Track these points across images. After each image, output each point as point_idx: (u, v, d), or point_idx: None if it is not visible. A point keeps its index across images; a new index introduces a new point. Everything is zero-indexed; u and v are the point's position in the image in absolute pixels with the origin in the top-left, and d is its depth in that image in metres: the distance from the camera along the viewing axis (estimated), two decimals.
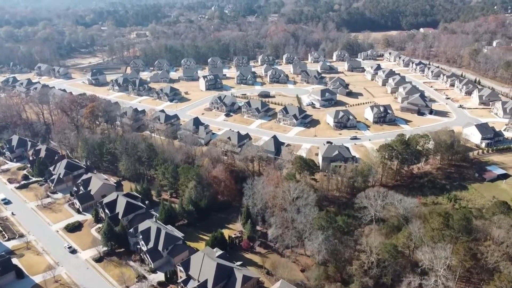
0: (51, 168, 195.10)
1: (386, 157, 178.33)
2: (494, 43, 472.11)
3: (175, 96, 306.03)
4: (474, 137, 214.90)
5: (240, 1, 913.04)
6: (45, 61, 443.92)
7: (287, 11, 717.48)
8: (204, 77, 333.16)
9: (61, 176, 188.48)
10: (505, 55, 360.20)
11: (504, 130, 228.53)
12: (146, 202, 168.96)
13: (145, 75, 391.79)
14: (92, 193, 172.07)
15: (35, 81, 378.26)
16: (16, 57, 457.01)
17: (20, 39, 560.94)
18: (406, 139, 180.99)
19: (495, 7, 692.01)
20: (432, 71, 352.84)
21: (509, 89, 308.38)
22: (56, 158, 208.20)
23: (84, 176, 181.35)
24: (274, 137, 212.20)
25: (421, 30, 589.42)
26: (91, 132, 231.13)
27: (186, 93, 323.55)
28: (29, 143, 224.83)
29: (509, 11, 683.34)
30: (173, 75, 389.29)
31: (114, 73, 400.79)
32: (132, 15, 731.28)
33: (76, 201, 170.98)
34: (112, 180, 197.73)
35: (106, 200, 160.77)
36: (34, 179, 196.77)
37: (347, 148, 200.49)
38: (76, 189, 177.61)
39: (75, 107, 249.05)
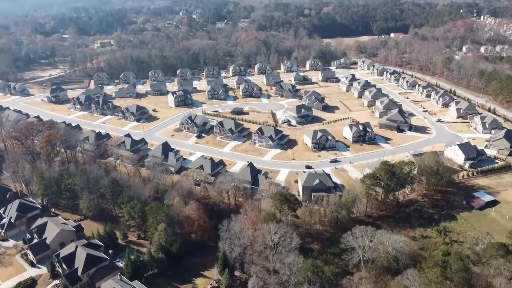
0: (0, 211, 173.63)
1: (371, 187, 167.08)
2: (464, 49, 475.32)
3: (142, 115, 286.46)
4: (457, 157, 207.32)
5: (208, 5, 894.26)
6: (0, 75, 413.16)
7: (257, 16, 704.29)
8: (173, 93, 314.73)
9: (12, 220, 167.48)
10: (477, 64, 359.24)
11: (486, 147, 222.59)
12: (110, 251, 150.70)
13: (110, 89, 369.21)
14: (48, 241, 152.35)
15: None
16: None
17: None
18: (391, 167, 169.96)
19: (461, 11, 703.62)
20: (407, 81, 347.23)
21: (484, 100, 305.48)
22: (8, 196, 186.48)
23: (39, 221, 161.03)
24: (250, 165, 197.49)
25: (392, 35, 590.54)
26: (48, 164, 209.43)
27: (154, 110, 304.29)
28: None
29: (474, 15, 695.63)
30: (140, 88, 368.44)
31: (76, 88, 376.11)
32: (95, 22, 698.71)
33: (29, 252, 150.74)
34: (73, 219, 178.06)
35: (63, 252, 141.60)
36: None
37: (328, 176, 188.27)
38: (30, 237, 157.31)
39: (31, 134, 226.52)
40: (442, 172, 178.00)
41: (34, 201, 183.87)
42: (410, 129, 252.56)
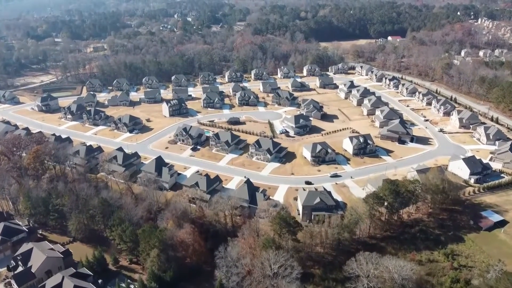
0: None
1: (374, 207, 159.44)
2: (463, 53, 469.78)
3: (135, 125, 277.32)
4: (462, 172, 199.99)
5: (203, 8, 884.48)
6: None
7: (253, 19, 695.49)
8: (167, 102, 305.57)
9: None
10: (477, 69, 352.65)
11: (490, 160, 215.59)
12: (100, 281, 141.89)
13: (102, 96, 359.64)
14: (33, 269, 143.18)
15: None
16: None
17: None
18: (396, 187, 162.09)
19: (458, 13, 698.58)
20: (407, 88, 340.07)
21: (486, 107, 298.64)
22: None
23: (24, 247, 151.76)
24: (248, 182, 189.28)
25: (389, 38, 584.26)
26: (36, 181, 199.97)
27: (148, 120, 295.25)
28: None
29: (472, 17, 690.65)
30: (134, 96, 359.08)
31: (68, 96, 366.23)
32: (89, 26, 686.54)
33: (13, 281, 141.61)
34: (62, 241, 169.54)
35: (49, 284, 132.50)
36: None
37: (329, 193, 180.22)
38: (14, 264, 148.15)
39: (18, 149, 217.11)
40: (447, 189, 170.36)
41: (20, 223, 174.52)
42: (412, 141, 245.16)
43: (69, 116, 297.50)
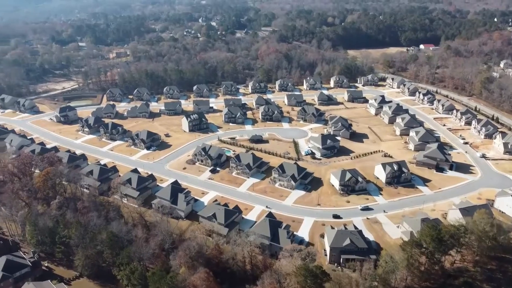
0: None
1: (413, 256, 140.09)
2: (502, 64, 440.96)
3: (153, 142, 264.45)
4: (511, 210, 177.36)
5: (228, 12, 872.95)
6: (12, 88, 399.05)
7: (278, 24, 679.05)
8: (188, 116, 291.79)
9: None
10: None
11: None
12: None
13: (122, 107, 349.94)
14: None
15: None
16: None
17: None
18: (438, 233, 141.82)
19: (495, 20, 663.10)
20: (443, 105, 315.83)
21: None
22: None
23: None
24: (270, 217, 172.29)
25: (421, 46, 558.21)
26: (45, 205, 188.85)
27: (167, 135, 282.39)
28: None
29: (510, 25, 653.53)
30: (154, 107, 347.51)
31: (88, 105, 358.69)
32: (113, 30, 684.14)
33: None
34: (67, 276, 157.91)
35: None
36: None
37: (360, 233, 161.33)
38: None
39: (29, 169, 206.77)
40: (500, 238, 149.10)
41: (26, 255, 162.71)
42: (451, 168, 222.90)
43: (86, 129, 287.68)
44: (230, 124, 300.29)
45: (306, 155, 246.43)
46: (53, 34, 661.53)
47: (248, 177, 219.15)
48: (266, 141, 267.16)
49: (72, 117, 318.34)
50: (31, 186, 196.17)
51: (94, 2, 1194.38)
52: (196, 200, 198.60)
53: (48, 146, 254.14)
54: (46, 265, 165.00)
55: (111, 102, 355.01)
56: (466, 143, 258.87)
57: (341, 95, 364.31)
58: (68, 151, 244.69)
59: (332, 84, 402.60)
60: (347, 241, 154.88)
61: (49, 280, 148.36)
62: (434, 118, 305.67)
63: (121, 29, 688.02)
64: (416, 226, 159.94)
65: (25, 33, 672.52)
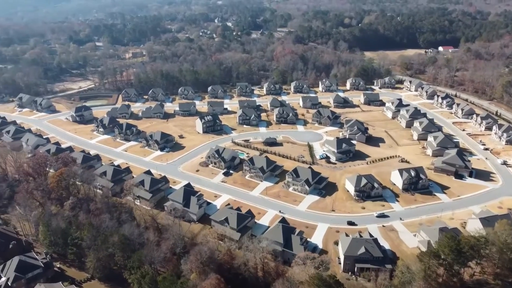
0: None
1: (431, 268, 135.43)
2: None
3: (166, 143, 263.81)
4: None
5: (244, 12, 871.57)
6: (30, 87, 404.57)
7: (294, 25, 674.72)
8: (201, 117, 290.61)
9: (10, 282, 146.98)
10: None
11: None
12: None
13: (137, 107, 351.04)
14: None
15: (14, 114, 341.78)
16: (0, 82, 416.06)
17: (7, 59, 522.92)
18: (458, 244, 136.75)
19: None
20: (462, 109, 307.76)
21: None
22: (10, 246, 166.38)
23: None
24: (283, 222, 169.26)
25: (440, 48, 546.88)
26: (59, 206, 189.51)
27: (181, 136, 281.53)
28: None
29: None
30: (169, 107, 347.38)
31: (103, 105, 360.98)
32: (129, 31, 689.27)
33: None
34: (79, 278, 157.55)
35: None
36: None
37: (376, 241, 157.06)
38: None
39: (44, 169, 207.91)
40: None
41: (38, 256, 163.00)
42: (471, 175, 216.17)
43: (101, 130, 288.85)
44: (244, 126, 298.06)
45: (321, 159, 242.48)
46: (71, 33, 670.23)
47: (262, 181, 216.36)
48: (280, 144, 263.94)
49: (87, 117, 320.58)
50: (45, 186, 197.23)
51: (111, 2, 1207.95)
52: (208, 203, 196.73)
53: (63, 146, 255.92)
54: (58, 266, 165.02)
55: (126, 102, 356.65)
56: (487, 149, 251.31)
57: (357, 97, 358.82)
58: (83, 151, 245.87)
59: (348, 86, 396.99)
60: (362, 250, 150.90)
61: (60, 282, 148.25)
62: (453, 123, 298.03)
63: (138, 29, 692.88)
64: (434, 236, 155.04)
65: (43, 32, 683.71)
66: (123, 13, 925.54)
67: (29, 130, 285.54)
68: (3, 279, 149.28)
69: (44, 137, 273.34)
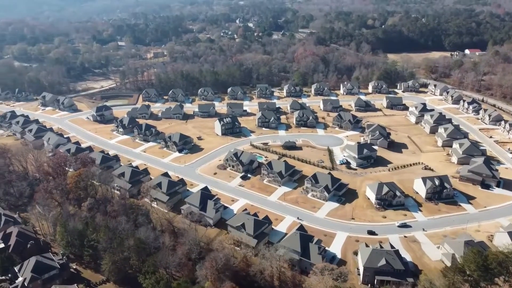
0: (16, 268, 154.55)
1: (456, 284, 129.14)
2: None
3: (185, 145, 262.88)
4: None
5: (266, 13, 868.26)
6: (54, 86, 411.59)
7: (316, 26, 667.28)
8: (220, 119, 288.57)
9: (26, 283, 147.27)
10: None
11: None
12: None
13: (157, 107, 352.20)
14: None
15: (37, 113, 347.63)
16: (25, 80, 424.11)
17: (33, 57, 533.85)
18: (485, 260, 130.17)
19: None
20: (489, 115, 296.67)
21: None
22: (28, 246, 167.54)
23: None
24: (301, 230, 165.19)
25: (467, 51, 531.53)
26: (76, 206, 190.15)
27: (199, 138, 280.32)
28: (3, 218, 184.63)
29: None
30: (188, 108, 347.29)
31: (124, 105, 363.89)
32: (151, 31, 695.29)
33: None
34: (95, 280, 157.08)
35: None
36: None
37: (397, 253, 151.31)
38: None
39: (63, 169, 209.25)
40: None
41: (55, 256, 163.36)
42: (498, 185, 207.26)
43: (121, 130, 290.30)
44: (263, 128, 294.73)
45: (341, 164, 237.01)
46: (95, 33, 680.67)
47: (280, 186, 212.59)
48: (300, 148, 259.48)
49: (108, 117, 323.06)
50: (64, 186, 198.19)
51: (135, 2, 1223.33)
52: (225, 207, 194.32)
53: (83, 146, 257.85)
54: (74, 267, 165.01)
55: (146, 103, 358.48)
56: None
57: (380, 101, 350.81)
58: (102, 151, 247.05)
59: (370, 89, 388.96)
60: (383, 262, 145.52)
61: (75, 285, 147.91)
62: (479, 129, 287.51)
63: (160, 29, 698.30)
64: (459, 249, 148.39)
65: (68, 32, 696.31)
66: (145, 13, 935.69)
67: (51, 129, 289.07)
68: (20, 279, 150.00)
69: (65, 136, 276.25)
